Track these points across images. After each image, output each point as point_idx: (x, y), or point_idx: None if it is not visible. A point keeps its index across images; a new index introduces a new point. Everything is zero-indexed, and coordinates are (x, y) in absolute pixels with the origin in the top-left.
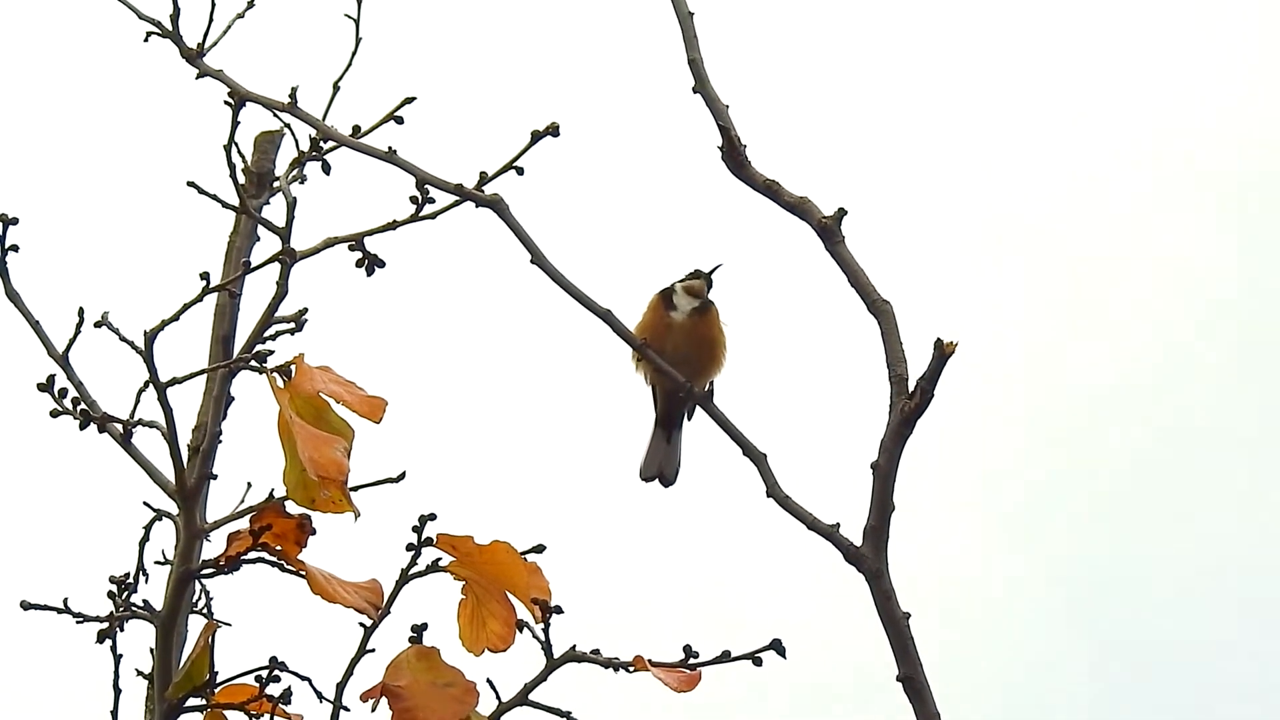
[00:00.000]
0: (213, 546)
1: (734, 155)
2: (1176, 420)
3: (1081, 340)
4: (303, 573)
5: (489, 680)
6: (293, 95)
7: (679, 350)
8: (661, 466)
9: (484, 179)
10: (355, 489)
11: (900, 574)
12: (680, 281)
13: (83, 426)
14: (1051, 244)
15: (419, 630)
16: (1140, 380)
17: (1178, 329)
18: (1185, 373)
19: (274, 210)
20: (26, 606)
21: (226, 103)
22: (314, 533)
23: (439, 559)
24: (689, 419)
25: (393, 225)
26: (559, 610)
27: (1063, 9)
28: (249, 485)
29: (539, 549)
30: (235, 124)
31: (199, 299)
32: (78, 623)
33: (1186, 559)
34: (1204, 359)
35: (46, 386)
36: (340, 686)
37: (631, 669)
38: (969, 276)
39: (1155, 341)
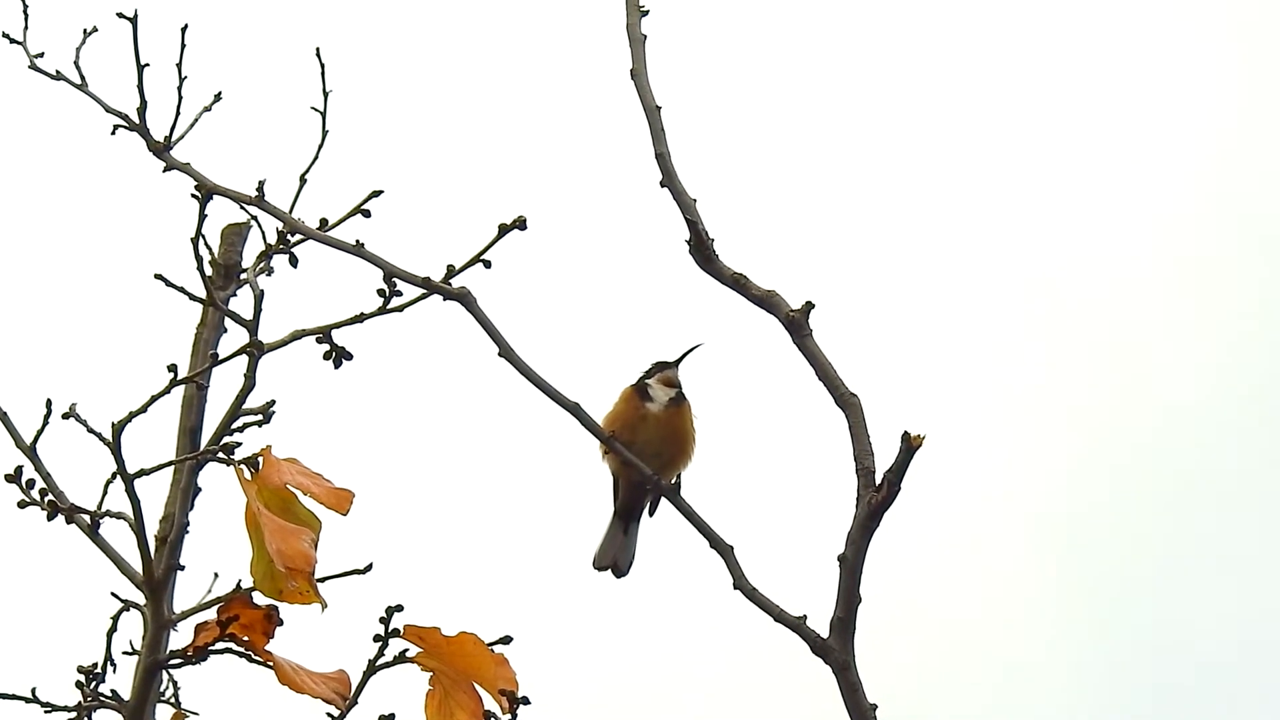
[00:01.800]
0: (180, 637)
1: (702, 249)
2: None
3: (1055, 435)
4: (270, 663)
5: None
6: (260, 188)
7: (650, 443)
8: (616, 557)
9: (451, 272)
10: (322, 580)
11: (867, 666)
12: (650, 376)
13: (50, 517)
14: (1023, 331)
15: None
16: (1110, 492)
17: (1160, 415)
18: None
19: (241, 302)
20: None
21: (194, 195)
22: (281, 623)
23: (406, 650)
24: (650, 515)
25: (360, 318)
26: (526, 701)
27: (1023, 101)
28: (216, 576)
29: (506, 640)
30: (202, 216)
31: (166, 391)
32: (46, 712)
33: (1169, 665)
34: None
35: (14, 477)
36: None
37: None
38: (938, 369)
39: (1126, 438)
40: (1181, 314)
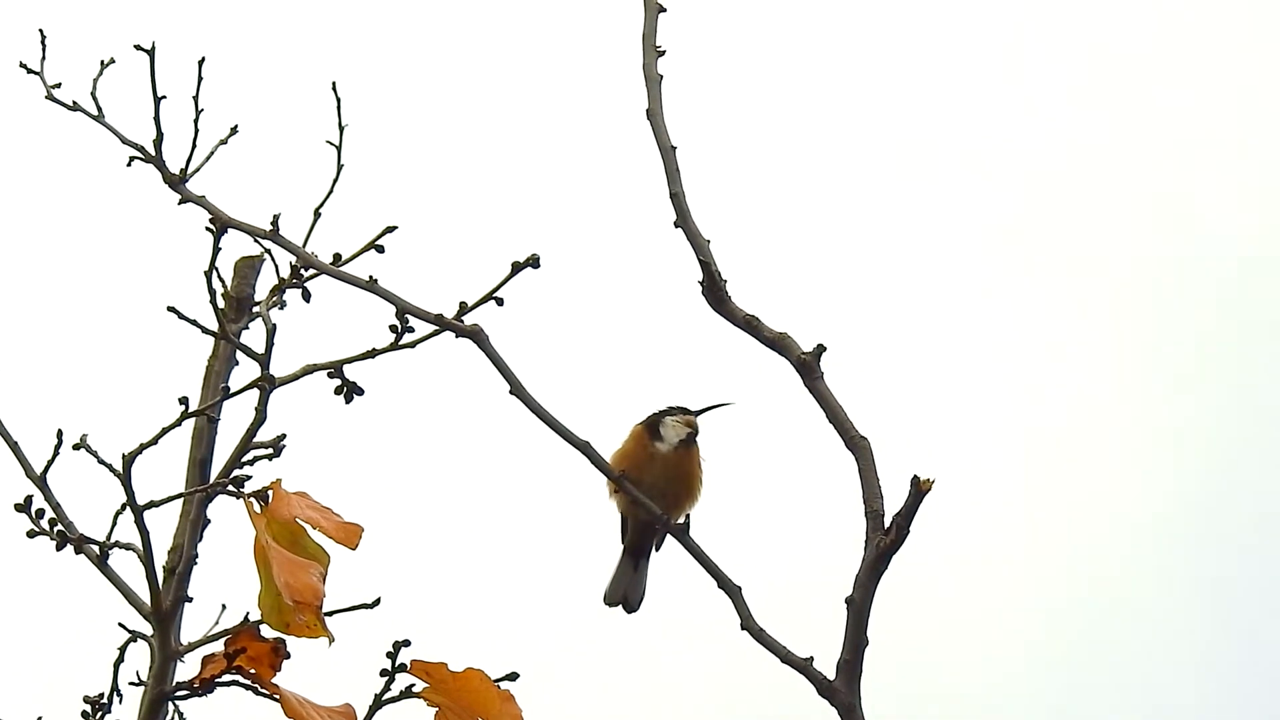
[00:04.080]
0: (187, 668)
1: (714, 290)
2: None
3: (1068, 477)
4: (277, 696)
5: None
6: (274, 222)
7: (657, 483)
8: (626, 593)
9: (464, 309)
10: (330, 614)
11: (872, 708)
12: (669, 415)
13: (59, 547)
14: (1034, 372)
15: None
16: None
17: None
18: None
19: (253, 336)
20: None
21: (208, 228)
22: (288, 657)
23: (413, 685)
24: (657, 549)
25: (372, 353)
26: None
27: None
28: (224, 608)
29: (512, 676)
30: (216, 249)
31: (177, 423)
32: None
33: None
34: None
35: (24, 507)
36: None
37: None
38: (949, 411)
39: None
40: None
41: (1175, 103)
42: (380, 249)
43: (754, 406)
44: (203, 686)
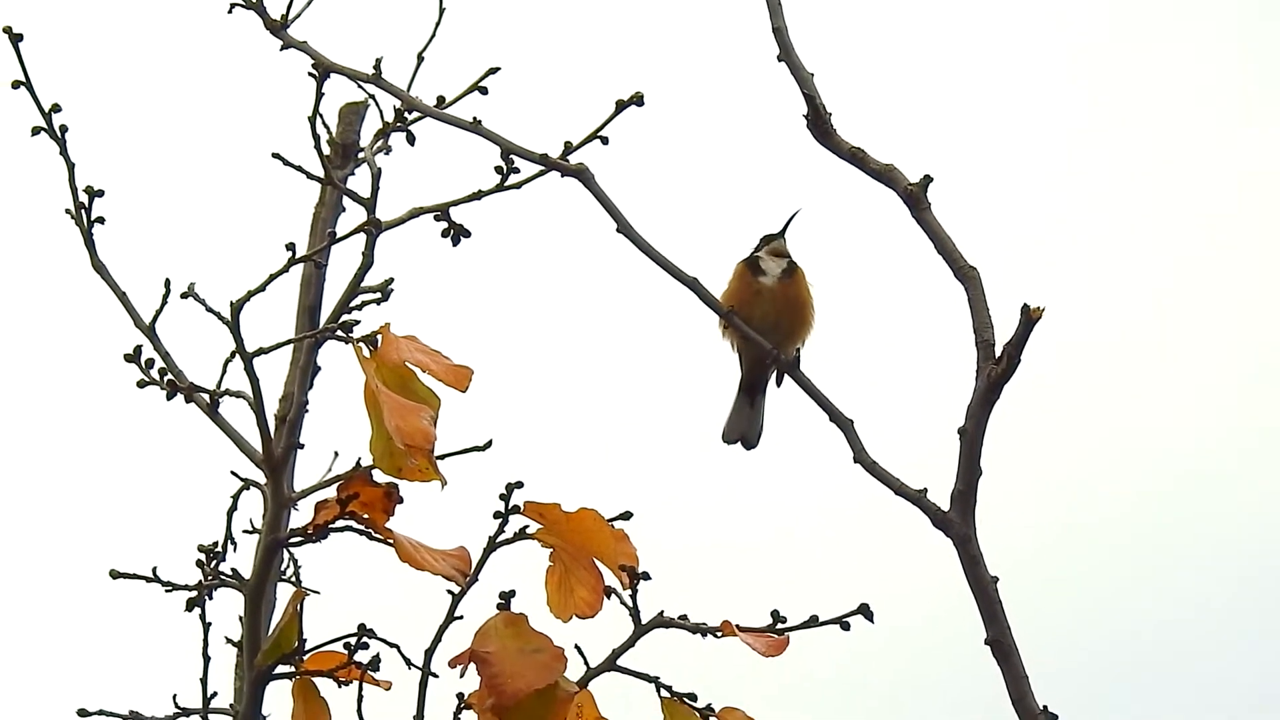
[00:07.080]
0: (300, 515)
1: (819, 123)
2: None
3: (1184, 305)
4: (390, 541)
5: (577, 646)
6: (377, 66)
7: (767, 317)
8: (744, 431)
9: (569, 148)
10: (442, 458)
11: (988, 538)
12: (759, 249)
13: (170, 397)
14: (1144, 206)
15: (507, 597)
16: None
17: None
18: None
19: (359, 181)
20: (116, 575)
21: (311, 74)
22: (401, 501)
23: (526, 526)
24: (779, 385)
25: (478, 195)
26: (646, 576)
27: None
28: (336, 454)
29: (626, 516)
30: (320, 95)
31: (285, 270)
32: (167, 591)
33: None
34: None
35: (133, 357)
36: (429, 653)
37: (719, 634)
38: (1059, 238)
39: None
40: None
41: None
42: (484, 90)
43: (861, 239)
44: (316, 533)
